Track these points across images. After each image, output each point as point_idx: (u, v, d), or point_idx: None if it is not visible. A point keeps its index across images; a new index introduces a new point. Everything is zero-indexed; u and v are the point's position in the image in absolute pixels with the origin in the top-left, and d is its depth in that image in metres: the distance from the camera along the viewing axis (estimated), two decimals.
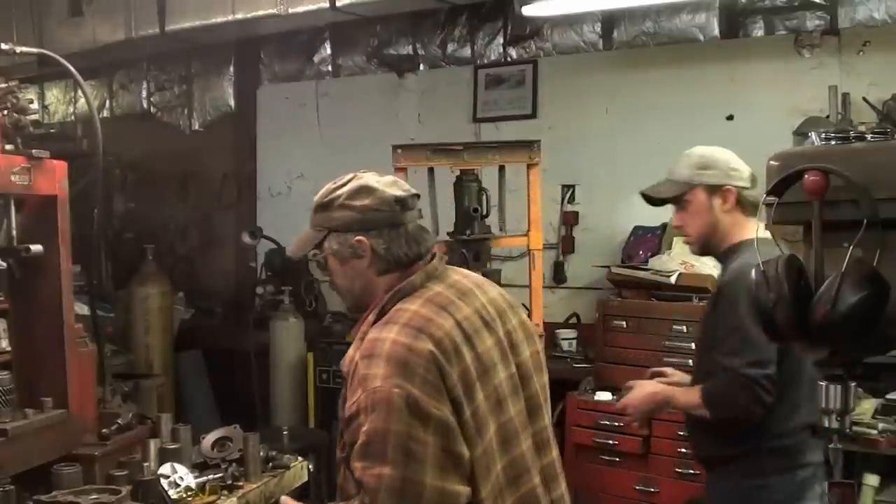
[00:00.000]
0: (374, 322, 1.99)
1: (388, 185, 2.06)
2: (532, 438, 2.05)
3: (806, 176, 2.06)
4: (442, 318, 1.95)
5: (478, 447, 1.89)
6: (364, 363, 1.89)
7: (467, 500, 1.87)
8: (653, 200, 2.96)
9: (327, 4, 4.87)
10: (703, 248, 2.89)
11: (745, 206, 2.79)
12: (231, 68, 6.39)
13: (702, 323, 2.91)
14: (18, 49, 2.69)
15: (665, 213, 4.93)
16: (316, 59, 6.10)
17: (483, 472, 1.89)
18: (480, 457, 1.89)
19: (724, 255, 2.83)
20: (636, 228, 5.01)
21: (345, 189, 2.05)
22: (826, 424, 2.21)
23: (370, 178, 2.07)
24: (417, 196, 2.11)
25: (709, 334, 2.78)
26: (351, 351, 1.98)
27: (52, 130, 5.49)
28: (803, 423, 2.66)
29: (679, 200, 2.86)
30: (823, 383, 2.16)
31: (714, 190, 2.79)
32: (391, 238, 2.02)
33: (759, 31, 4.69)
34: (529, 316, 4.23)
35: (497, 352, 2.02)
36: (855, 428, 3.37)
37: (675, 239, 4.57)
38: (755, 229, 2.61)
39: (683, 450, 3.98)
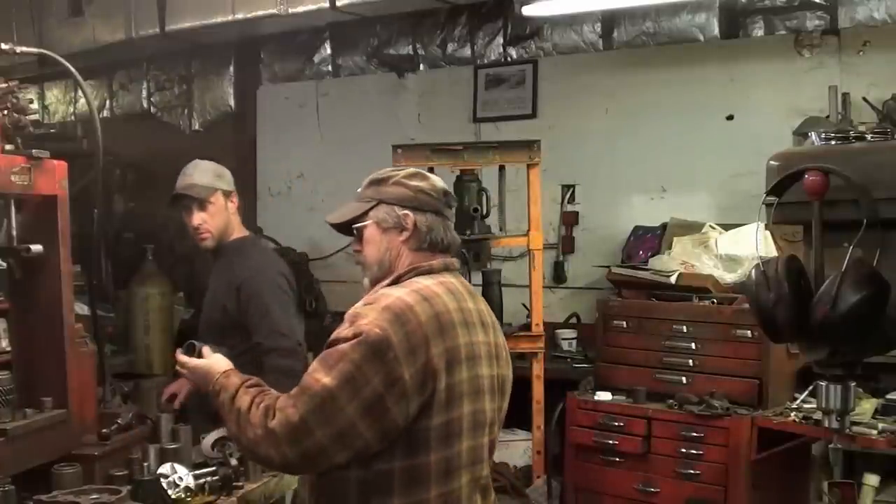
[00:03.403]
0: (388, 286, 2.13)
1: (439, 180, 2.27)
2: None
3: (806, 176, 2.06)
4: (448, 298, 2.10)
5: (439, 416, 2.01)
6: (363, 308, 2.05)
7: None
8: (183, 199, 3.49)
9: (327, 4, 4.87)
10: (219, 241, 3.57)
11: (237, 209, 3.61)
12: (231, 68, 6.38)
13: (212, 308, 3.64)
14: (18, 49, 2.69)
15: (665, 214, 4.97)
16: (316, 59, 6.09)
17: (440, 441, 2.02)
18: (440, 426, 2.01)
19: (230, 245, 3.58)
20: (636, 228, 5.01)
21: (401, 171, 2.25)
22: (826, 424, 2.20)
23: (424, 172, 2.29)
24: (456, 200, 2.33)
25: (224, 323, 3.47)
26: (358, 304, 2.11)
27: (52, 130, 5.49)
28: None
29: (203, 202, 3.46)
30: (823, 383, 2.16)
31: (228, 194, 3.55)
32: (433, 222, 2.19)
33: (759, 31, 4.68)
34: (529, 316, 4.26)
35: (485, 349, 2.15)
36: (855, 428, 3.36)
37: (675, 239, 4.56)
38: (243, 228, 3.66)
39: (683, 450, 3.99)
